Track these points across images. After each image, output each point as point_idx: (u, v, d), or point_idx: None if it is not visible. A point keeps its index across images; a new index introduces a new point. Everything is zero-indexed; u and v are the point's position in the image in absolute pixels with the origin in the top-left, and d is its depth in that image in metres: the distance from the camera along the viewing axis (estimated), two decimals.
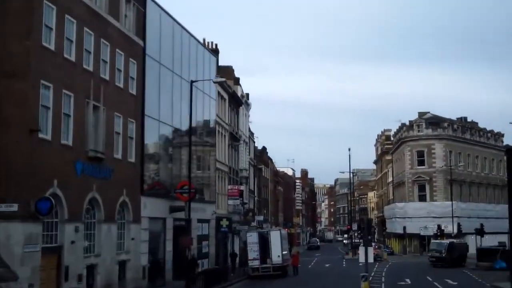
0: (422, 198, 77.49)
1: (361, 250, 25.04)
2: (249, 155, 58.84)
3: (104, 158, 24.93)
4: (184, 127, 34.42)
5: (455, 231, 72.28)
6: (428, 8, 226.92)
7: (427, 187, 77.33)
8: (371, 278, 32.25)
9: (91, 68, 24.32)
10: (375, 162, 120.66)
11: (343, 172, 69.24)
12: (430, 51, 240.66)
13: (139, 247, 28.81)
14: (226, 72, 49.15)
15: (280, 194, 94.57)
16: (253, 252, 38.85)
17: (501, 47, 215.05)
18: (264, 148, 74.65)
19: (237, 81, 53.01)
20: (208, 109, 40.07)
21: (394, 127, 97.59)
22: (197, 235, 37.21)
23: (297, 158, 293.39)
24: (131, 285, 27.61)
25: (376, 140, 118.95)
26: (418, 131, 78.94)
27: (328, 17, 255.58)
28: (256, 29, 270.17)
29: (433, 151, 77.48)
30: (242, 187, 46.77)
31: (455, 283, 34.99)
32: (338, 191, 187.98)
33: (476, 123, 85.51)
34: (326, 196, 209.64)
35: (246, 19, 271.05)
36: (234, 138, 48.67)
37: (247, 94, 59.32)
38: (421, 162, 78.04)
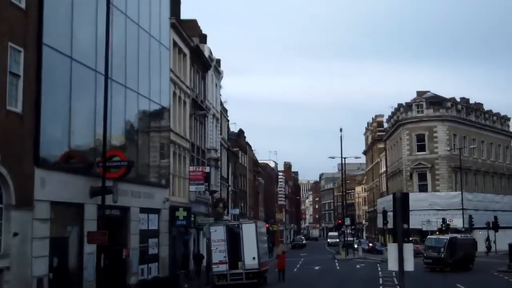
0: (423, 188, 67.60)
1: (391, 249, 14.76)
2: (220, 134, 48.29)
3: None
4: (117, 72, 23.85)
5: (465, 225, 62.57)
6: (418, 5, 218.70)
7: (429, 176, 67.45)
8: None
9: None
10: (365, 153, 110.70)
11: (333, 157, 59.19)
12: (420, 50, 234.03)
13: (29, 247, 18.19)
14: (189, 27, 38.49)
15: (260, 186, 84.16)
16: (218, 253, 28.44)
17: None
18: (241, 132, 64.18)
19: (203, 38, 42.41)
20: (157, 58, 29.46)
21: (386, 113, 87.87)
22: (139, 230, 26.64)
23: (279, 155, 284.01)
24: None
25: (366, 128, 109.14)
26: (418, 111, 69.02)
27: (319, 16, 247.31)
28: (242, 28, 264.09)
29: (435, 134, 67.61)
30: (207, 169, 36.13)
31: None
32: (323, 186, 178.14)
33: (481, 105, 75.77)
34: (311, 192, 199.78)
35: (233, 19, 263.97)
36: (199, 108, 38.10)
37: (218, 61, 48.77)
38: (421, 148, 68.14)
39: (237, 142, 60.97)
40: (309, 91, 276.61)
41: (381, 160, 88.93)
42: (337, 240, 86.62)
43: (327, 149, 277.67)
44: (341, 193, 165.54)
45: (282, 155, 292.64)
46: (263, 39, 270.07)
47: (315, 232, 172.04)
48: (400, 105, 72.24)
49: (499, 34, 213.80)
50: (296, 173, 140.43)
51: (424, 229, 61.58)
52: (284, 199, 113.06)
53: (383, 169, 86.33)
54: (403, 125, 69.83)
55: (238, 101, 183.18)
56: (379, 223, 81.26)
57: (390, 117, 79.75)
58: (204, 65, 41.28)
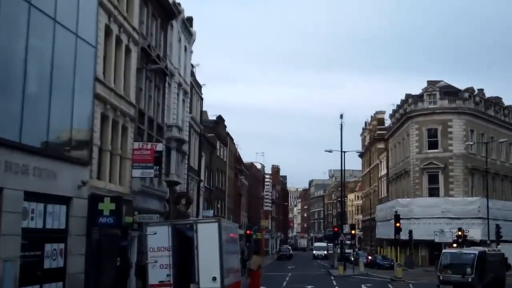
0: (433, 192, 57.27)
1: None
2: (189, 112, 37.64)
3: None
4: None
5: (483, 236, 52.28)
6: (404, 16, 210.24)
7: (441, 178, 57.12)
8: None
9: None
10: (361, 155, 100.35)
11: (331, 151, 48.42)
12: (407, 61, 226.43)
13: None
14: None
15: (244, 188, 73.45)
16: (158, 269, 17.76)
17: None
18: (220, 119, 53.51)
19: None
20: None
21: (388, 111, 77.64)
22: (23, 228, 15.96)
23: (267, 159, 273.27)
24: None
25: (363, 128, 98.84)
26: (430, 102, 58.74)
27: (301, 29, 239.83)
28: (232, 40, 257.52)
29: (449, 129, 57.36)
30: (160, 146, 25.37)
31: None
32: (313, 194, 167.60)
33: (500, 99, 65.65)
34: (299, 200, 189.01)
35: (221, 31, 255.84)
36: (152, 62, 27.45)
37: (190, 19, 38.24)
38: (433, 145, 57.87)
39: (215, 130, 50.42)
40: (298, 101, 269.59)
41: (381, 162, 78.61)
42: (324, 252, 78.06)
43: (315, 159, 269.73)
44: (332, 201, 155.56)
45: (269, 159, 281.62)
46: (256, 49, 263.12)
47: (303, 242, 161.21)
48: (408, 96, 61.95)
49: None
50: (284, 177, 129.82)
51: (437, 240, 51.19)
52: (270, 205, 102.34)
53: (384, 171, 75.99)
54: (411, 118, 59.56)
55: (225, 108, 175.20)
56: (378, 233, 70.92)
57: (394, 112, 69.43)
58: (166, 12, 30.69)
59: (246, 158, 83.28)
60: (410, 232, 53.80)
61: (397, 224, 38.31)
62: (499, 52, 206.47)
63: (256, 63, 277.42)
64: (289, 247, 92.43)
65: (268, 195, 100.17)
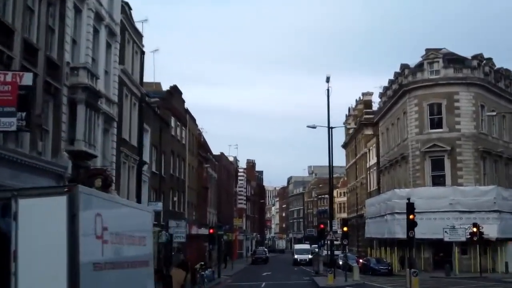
0: (438, 181, 47.33)
1: None
2: (119, 63, 26.84)
3: None
4: None
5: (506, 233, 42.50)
6: (384, 21, 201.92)
7: (447, 163, 47.23)
8: None
9: None
10: (344, 146, 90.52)
11: (314, 127, 37.52)
12: (389, 63, 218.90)
13: None
14: None
15: (211, 180, 62.77)
16: None
17: None
18: (176, 90, 42.65)
19: None
20: None
21: (377, 93, 67.52)
22: None
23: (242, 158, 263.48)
24: None
25: (347, 115, 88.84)
26: (432, 72, 48.76)
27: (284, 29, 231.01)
28: (215, 40, 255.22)
29: (456, 104, 47.52)
30: (29, 78, 14.61)
31: None
32: (291, 191, 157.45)
33: (510, 71, 55.85)
34: (277, 199, 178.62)
35: (201, 32, 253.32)
36: None
37: None
38: (436, 123, 48.03)
39: (168, 103, 39.71)
40: (274, 103, 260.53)
41: (369, 150, 68.57)
42: (309, 256, 62.62)
43: (294, 157, 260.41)
44: (312, 199, 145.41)
45: (245, 156, 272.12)
46: (235, 51, 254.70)
47: (282, 243, 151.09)
48: (404, 67, 51.86)
49: None
50: (260, 172, 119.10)
51: (447, 239, 41.18)
52: (245, 202, 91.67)
53: (373, 161, 65.98)
54: (409, 92, 49.54)
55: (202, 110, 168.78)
56: (368, 231, 60.67)
57: (386, 89, 59.36)
58: None
59: (217, 151, 72.88)
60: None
61: (411, 217, 27.99)
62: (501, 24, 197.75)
63: (235, 64, 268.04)
64: (265, 249, 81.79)
65: (242, 191, 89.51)
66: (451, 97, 47.36)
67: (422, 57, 49.61)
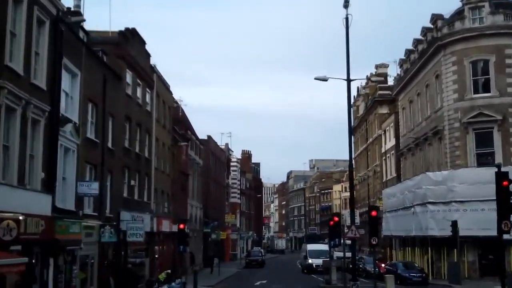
0: (486, 160, 36.00)
1: None
2: None
3: None
4: None
5: None
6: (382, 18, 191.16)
7: (497, 137, 36.00)
8: None
9: None
10: (351, 131, 78.97)
11: (325, 79, 26.02)
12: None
13: None
14: None
15: (193, 166, 51.53)
16: None
17: None
18: (133, 34, 31.09)
19: None
20: None
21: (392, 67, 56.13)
22: None
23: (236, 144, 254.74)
24: None
25: (355, 96, 77.54)
26: (475, 20, 37.51)
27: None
28: (211, 44, 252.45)
29: (508, 60, 36.40)
30: None
31: None
32: (292, 187, 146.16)
33: None
34: (276, 195, 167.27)
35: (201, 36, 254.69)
36: None
37: None
38: (482, 86, 36.92)
39: (122, 49, 28.39)
40: (275, 103, 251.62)
41: (385, 132, 57.29)
42: (326, 259, 38.05)
43: (291, 155, 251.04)
44: (314, 194, 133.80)
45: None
46: (229, 52, 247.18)
47: (281, 243, 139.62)
48: (436, 17, 40.47)
49: None
50: (257, 164, 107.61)
51: (507, 237, 29.81)
52: (239, 196, 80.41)
53: (391, 143, 54.75)
54: (444, 48, 38.31)
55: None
56: (386, 228, 48.96)
57: (409, 52, 47.94)
58: None
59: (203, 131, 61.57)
60: (455, 223, 32.25)
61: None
62: None
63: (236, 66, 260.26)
64: (261, 250, 70.17)
65: (235, 183, 78.25)
66: (501, 52, 36.18)
67: (461, 1, 38.29)
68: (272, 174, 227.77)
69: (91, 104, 24.20)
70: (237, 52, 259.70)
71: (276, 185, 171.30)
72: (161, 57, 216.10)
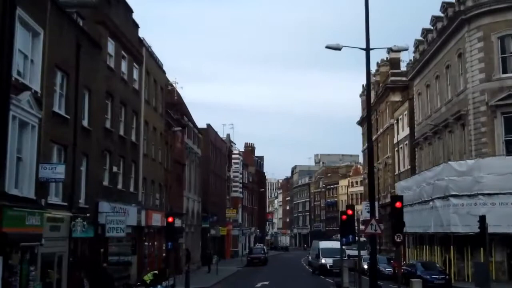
0: None
1: None
2: None
3: None
4: None
5: None
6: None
7: None
8: None
9: None
10: (360, 122, 75.18)
11: (338, 48, 22.36)
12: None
13: None
14: None
15: (190, 156, 47.65)
16: None
17: None
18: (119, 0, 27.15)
19: None
20: None
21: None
22: None
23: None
24: None
25: (364, 85, 73.60)
26: None
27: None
28: (214, 40, 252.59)
29: None
30: None
31: None
32: (296, 182, 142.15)
33: None
34: (280, 191, 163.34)
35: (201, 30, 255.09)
36: None
37: None
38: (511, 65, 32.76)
39: (101, 15, 24.45)
40: (281, 100, 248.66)
41: (398, 120, 53.19)
42: (337, 259, 34.86)
43: (295, 151, 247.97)
44: (319, 190, 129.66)
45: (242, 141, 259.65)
46: (234, 49, 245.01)
47: (285, 240, 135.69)
48: None
49: None
50: (261, 158, 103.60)
51: None
52: (241, 190, 76.50)
53: (404, 133, 50.75)
54: (469, 23, 34.22)
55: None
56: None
57: (427, 31, 43.80)
58: None
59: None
60: (483, 218, 28.19)
61: None
62: None
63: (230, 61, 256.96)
64: (264, 247, 66.17)
65: (237, 176, 74.34)
66: None
67: None
68: (276, 170, 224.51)
69: (60, 73, 20.29)
70: (237, 48, 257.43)
71: (280, 181, 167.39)
72: (159, 49, 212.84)
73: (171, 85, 41.60)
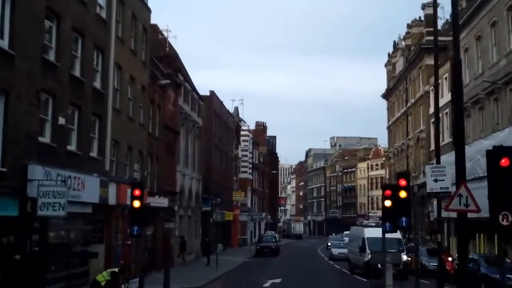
0: None
1: None
2: None
3: None
4: None
5: None
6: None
7: None
8: None
9: None
10: (384, 95, 66.90)
11: None
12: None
13: None
14: None
15: (187, 124, 39.77)
16: None
17: None
18: None
19: None
20: None
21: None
22: None
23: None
24: None
25: (390, 54, 65.24)
26: None
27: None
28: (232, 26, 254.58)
29: None
30: None
31: None
32: (311, 166, 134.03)
33: None
34: (294, 176, 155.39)
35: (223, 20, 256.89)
36: None
37: None
38: None
39: None
40: (293, 88, 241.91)
41: (435, 86, 44.65)
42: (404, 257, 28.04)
43: (309, 141, 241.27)
44: (335, 174, 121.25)
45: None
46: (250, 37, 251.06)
47: (299, 227, 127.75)
48: None
49: None
50: (273, 137, 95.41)
51: None
52: (250, 171, 68.67)
53: (445, 99, 42.37)
54: None
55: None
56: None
57: None
58: None
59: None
60: None
61: None
62: None
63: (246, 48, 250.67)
64: (275, 234, 58.15)
65: (246, 155, 66.47)
66: None
67: None
68: (289, 156, 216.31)
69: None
70: (249, 36, 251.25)
71: (294, 166, 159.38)
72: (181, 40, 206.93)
73: (161, 33, 33.62)
